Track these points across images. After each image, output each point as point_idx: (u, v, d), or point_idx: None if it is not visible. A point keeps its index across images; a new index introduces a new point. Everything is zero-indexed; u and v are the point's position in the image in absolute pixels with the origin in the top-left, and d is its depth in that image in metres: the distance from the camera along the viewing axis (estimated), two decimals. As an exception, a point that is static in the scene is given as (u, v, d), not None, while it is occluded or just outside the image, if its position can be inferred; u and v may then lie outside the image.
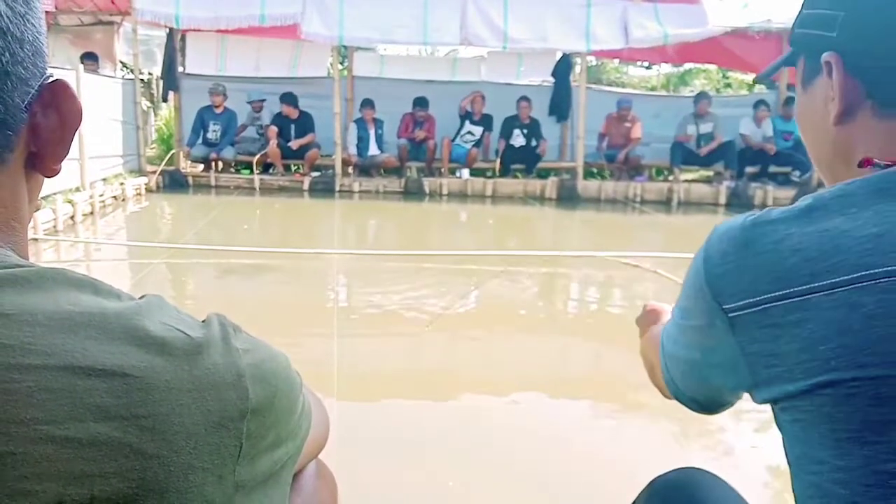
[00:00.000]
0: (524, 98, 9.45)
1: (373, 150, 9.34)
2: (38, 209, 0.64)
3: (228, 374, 0.52)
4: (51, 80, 0.56)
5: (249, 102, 9.45)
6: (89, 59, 9.31)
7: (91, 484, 0.45)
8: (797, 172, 9.42)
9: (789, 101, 9.66)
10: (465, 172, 9.35)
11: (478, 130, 9.52)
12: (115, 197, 7.62)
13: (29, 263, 0.52)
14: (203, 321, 0.56)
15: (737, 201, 9.03)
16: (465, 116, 9.51)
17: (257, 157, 9.08)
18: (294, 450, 0.64)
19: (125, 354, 0.48)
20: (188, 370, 0.50)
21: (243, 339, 0.57)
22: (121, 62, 11.34)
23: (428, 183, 9.15)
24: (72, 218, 6.18)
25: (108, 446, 0.45)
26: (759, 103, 9.50)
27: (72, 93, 0.57)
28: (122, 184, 7.89)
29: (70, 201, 6.22)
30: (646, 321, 1.18)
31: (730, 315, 0.69)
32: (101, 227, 6.48)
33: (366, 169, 9.43)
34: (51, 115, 0.56)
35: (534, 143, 9.47)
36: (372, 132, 9.32)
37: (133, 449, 0.46)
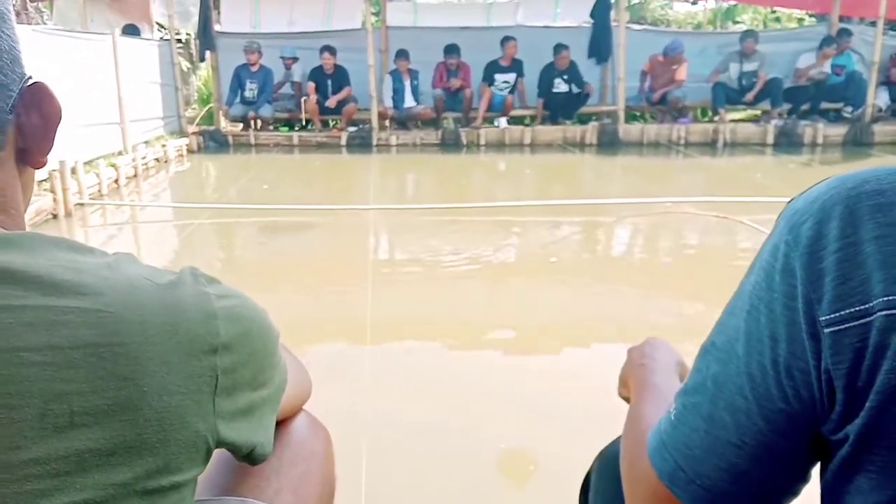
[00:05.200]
0: (563, 46, 9.14)
1: (409, 101, 9.25)
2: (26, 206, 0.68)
3: (198, 312, 0.58)
4: (30, 82, 0.61)
5: (282, 58, 9.42)
6: (131, 31, 9.40)
7: (70, 400, 0.50)
8: (849, 108, 9.03)
9: (842, 33, 9.21)
10: (503, 121, 9.21)
11: (510, 76, 9.30)
12: (157, 159, 7.75)
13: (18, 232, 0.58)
14: (176, 273, 0.61)
15: (786, 140, 8.73)
16: (492, 66, 9.23)
17: (306, 103, 9.06)
18: (272, 394, 0.69)
19: (99, 295, 0.53)
20: (159, 308, 0.55)
21: (217, 288, 0.62)
22: (157, 23, 11.40)
23: (465, 133, 9.06)
24: (116, 181, 6.30)
25: (84, 369, 0.51)
26: (828, 40, 9.01)
27: (50, 93, 0.62)
28: (163, 146, 8.01)
29: (113, 165, 6.34)
30: (637, 374, 0.89)
31: (827, 330, 0.50)
32: (144, 189, 6.62)
33: (402, 121, 9.36)
34: (33, 115, 0.61)
35: (575, 88, 9.23)
36: (407, 83, 9.22)
37: (108, 371, 0.52)
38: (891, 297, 0.48)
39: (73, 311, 0.52)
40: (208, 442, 0.59)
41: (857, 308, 0.49)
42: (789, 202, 0.57)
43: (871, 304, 0.48)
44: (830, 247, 0.51)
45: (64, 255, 0.55)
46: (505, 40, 9.16)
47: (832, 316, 0.50)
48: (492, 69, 9.24)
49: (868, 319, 0.48)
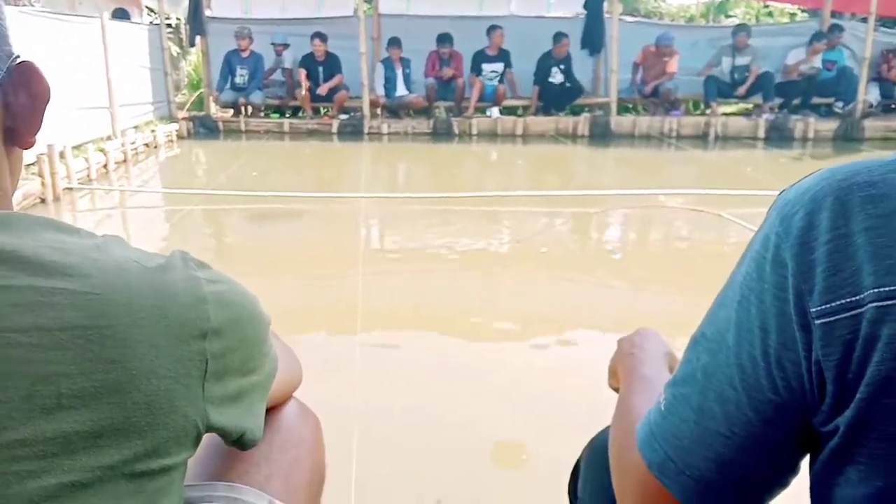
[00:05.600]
0: (563, 35, 9.11)
1: (400, 90, 9.21)
2: (14, 190, 0.67)
3: (189, 296, 0.57)
4: (18, 61, 0.60)
5: (273, 44, 9.35)
6: (120, 15, 9.33)
7: (57, 382, 0.50)
8: (840, 103, 9.06)
9: (833, 28, 9.24)
10: (495, 111, 9.19)
11: (498, 66, 9.22)
12: (146, 144, 7.68)
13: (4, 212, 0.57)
14: (166, 256, 0.60)
15: (777, 134, 8.76)
16: (479, 56, 9.14)
17: (304, 85, 8.99)
18: (262, 381, 0.69)
19: (86, 276, 0.53)
20: (148, 291, 0.55)
21: (207, 273, 0.61)
22: (147, 7, 11.29)
23: (457, 123, 9.03)
24: (105, 166, 6.25)
25: (72, 350, 0.51)
26: (819, 35, 9.04)
27: (38, 72, 0.61)
28: (153, 131, 7.94)
29: (102, 150, 6.28)
30: (627, 364, 0.90)
31: (818, 321, 0.50)
32: (134, 174, 6.56)
33: (394, 110, 9.33)
34: (21, 94, 0.60)
35: (567, 82, 9.19)
36: (399, 72, 9.18)
37: (96, 353, 0.51)
38: (881, 289, 0.48)
39: (61, 293, 0.51)
40: (198, 426, 0.58)
41: (848, 299, 0.49)
42: (780, 193, 0.57)
43: (861, 296, 0.48)
44: (821, 238, 0.51)
45: (51, 236, 0.55)
46: (491, 29, 9.11)
47: (823, 307, 0.50)
48: (479, 59, 9.17)
49: (859, 311, 0.48)
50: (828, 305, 0.50)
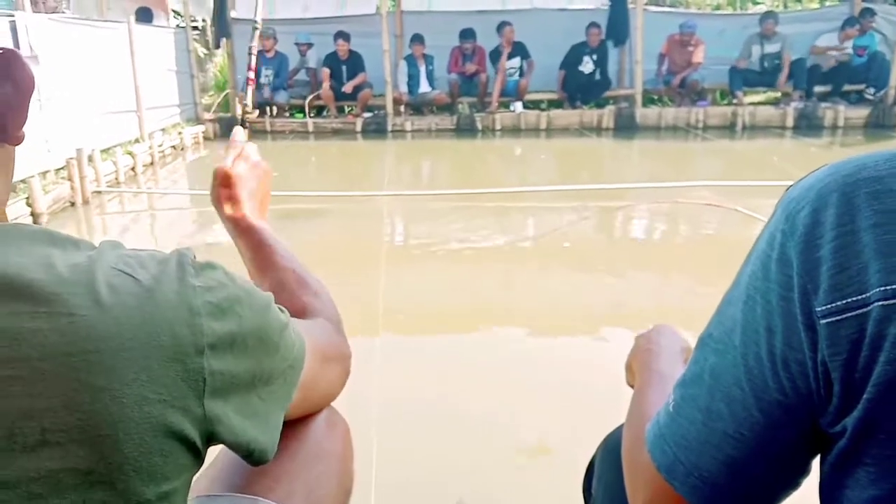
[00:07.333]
0: (595, 24, 9.12)
1: (424, 87, 9.21)
2: (6, 204, 0.63)
3: (181, 310, 0.53)
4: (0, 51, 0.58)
5: (296, 44, 9.41)
6: (144, 16, 9.46)
7: (40, 417, 0.46)
8: (871, 90, 8.85)
9: (865, 13, 9.03)
10: (518, 106, 9.14)
11: (515, 61, 9.15)
12: (173, 146, 7.79)
13: None
14: (162, 259, 0.56)
15: (805, 123, 8.59)
16: (495, 55, 9.09)
17: (309, 98, 9.09)
18: (276, 392, 0.63)
19: (71, 296, 0.49)
20: (137, 309, 0.51)
21: (206, 278, 0.56)
22: (173, 11, 11.42)
23: (480, 119, 9.01)
24: (133, 169, 6.35)
25: (55, 381, 0.47)
26: (851, 20, 8.85)
27: (23, 62, 0.59)
28: (180, 133, 8.05)
29: (130, 153, 6.38)
30: (642, 360, 0.90)
31: (823, 321, 0.49)
32: (161, 176, 6.65)
33: (417, 107, 9.33)
34: (5, 84, 0.58)
35: (597, 75, 9.12)
36: (422, 69, 9.18)
37: (82, 382, 0.47)
38: (888, 287, 0.46)
39: (43, 317, 0.47)
40: (198, 447, 0.54)
41: (854, 298, 0.48)
42: (787, 190, 0.56)
43: (868, 294, 0.47)
44: (827, 235, 0.50)
45: (39, 251, 0.51)
46: (501, 26, 9.07)
47: (829, 306, 0.49)
48: (496, 58, 9.12)
49: (865, 310, 0.47)
50: (833, 304, 0.49)
